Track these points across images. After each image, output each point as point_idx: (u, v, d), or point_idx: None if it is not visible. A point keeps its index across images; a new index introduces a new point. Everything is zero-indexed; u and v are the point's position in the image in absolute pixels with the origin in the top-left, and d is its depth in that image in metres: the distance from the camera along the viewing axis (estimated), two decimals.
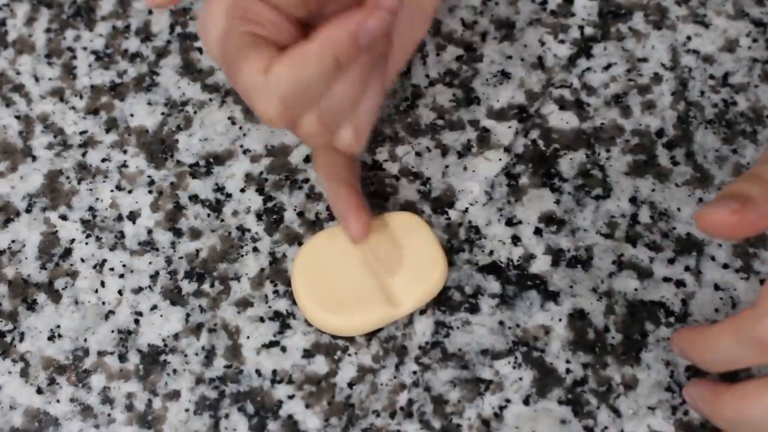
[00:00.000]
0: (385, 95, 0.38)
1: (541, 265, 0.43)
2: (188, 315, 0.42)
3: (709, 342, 0.34)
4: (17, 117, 0.48)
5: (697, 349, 0.36)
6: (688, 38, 0.48)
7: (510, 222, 0.44)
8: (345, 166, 0.42)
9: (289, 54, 0.33)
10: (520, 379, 0.41)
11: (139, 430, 0.40)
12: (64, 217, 0.45)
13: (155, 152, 0.46)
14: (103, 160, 0.46)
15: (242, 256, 0.44)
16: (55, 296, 0.43)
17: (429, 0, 0.43)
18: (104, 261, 0.44)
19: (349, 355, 0.41)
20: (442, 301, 0.42)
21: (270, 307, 0.42)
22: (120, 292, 0.43)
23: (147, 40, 0.49)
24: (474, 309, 0.42)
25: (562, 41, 0.48)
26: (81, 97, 0.48)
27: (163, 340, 0.42)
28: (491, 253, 0.43)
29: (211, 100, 0.47)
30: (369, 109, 0.37)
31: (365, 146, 0.39)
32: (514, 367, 0.41)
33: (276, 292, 0.43)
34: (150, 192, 0.45)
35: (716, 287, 0.42)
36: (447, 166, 0.45)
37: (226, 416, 0.40)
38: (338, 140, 0.37)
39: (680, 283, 0.42)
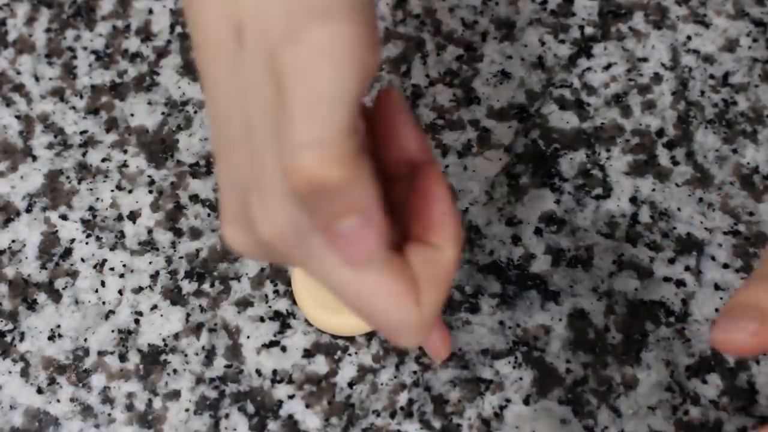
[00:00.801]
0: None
1: (541, 264, 0.43)
2: (188, 315, 0.42)
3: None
4: (17, 117, 0.48)
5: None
6: (689, 38, 0.48)
7: (510, 222, 0.44)
8: (413, 304, 0.32)
9: (434, 277, 0.29)
10: (521, 378, 0.41)
11: (140, 430, 0.40)
12: (64, 217, 0.45)
13: (155, 152, 0.46)
14: (104, 160, 0.46)
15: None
16: (56, 296, 0.43)
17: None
18: (104, 261, 0.44)
19: (349, 354, 0.41)
20: None
21: (270, 306, 0.42)
22: (120, 292, 0.43)
23: (147, 39, 0.49)
24: (474, 309, 0.42)
25: (562, 41, 0.48)
26: (81, 96, 0.48)
27: (164, 339, 0.42)
28: (491, 252, 0.43)
29: None
30: None
31: None
32: (514, 367, 0.41)
33: (276, 291, 0.43)
34: (150, 192, 0.45)
35: (716, 287, 0.42)
36: (447, 166, 0.45)
37: (227, 416, 0.40)
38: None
39: (680, 283, 0.42)
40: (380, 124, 0.31)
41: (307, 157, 0.25)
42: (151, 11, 0.50)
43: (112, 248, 0.44)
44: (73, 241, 0.44)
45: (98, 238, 0.44)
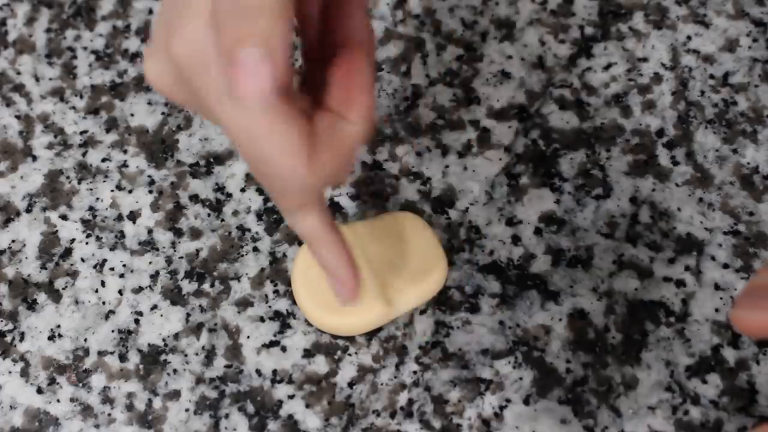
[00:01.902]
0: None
1: (541, 264, 0.43)
2: (188, 315, 0.42)
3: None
4: (17, 117, 0.48)
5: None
6: (689, 38, 0.48)
7: (510, 222, 0.44)
8: (324, 212, 0.34)
9: (335, 143, 0.29)
10: (521, 378, 0.41)
11: (140, 430, 0.40)
12: (64, 217, 0.45)
13: (155, 152, 0.46)
14: (104, 160, 0.46)
15: (242, 255, 0.44)
16: (56, 296, 0.43)
17: None
18: (104, 261, 0.44)
19: (349, 354, 0.41)
20: (442, 301, 0.42)
21: (270, 306, 0.42)
22: (120, 292, 0.43)
23: (147, 39, 0.49)
24: (474, 309, 0.42)
25: (562, 41, 0.48)
26: (81, 96, 0.48)
27: (164, 339, 0.42)
28: (491, 252, 0.43)
29: None
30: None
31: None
32: (514, 367, 0.41)
33: (276, 291, 0.43)
34: (150, 192, 0.45)
35: (716, 287, 0.42)
36: (447, 166, 0.45)
37: (227, 416, 0.40)
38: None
39: (680, 283, 0.42)
40: (336, 7, 0.31)
41: None
42: (151, 11, 0.50)
43: (112, 248, 0.44)
44: (73, 241, 0.44)
45: (98, 238, 0.44)
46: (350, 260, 0.35)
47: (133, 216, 0.45)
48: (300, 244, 0.44)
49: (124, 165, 0.46)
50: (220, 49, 0.27)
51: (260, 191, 0.45)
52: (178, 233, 0.44)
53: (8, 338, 0.42)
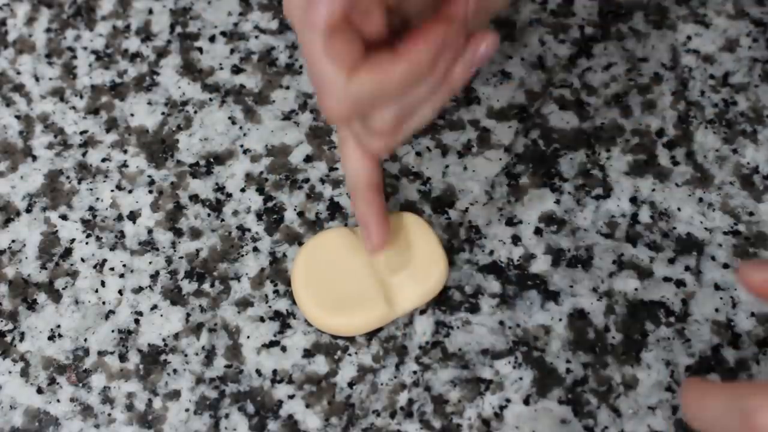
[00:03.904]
0: (446, 101, 0.37)
1: (541, 264, 0.43)
2: (188, 315, 0.42)
3: (704, 395, 0.31)
4: (17, 117, 0.48)
5: (691, 398, 0.33)
6: (689, 38, 0.48)
7: (510, 222, 0.44)
8: (375, 170, 0.41)
9: (376, 65, 0.33)
10: (521, 378, 0.41)
11: (140, 430, 0.40)
12: (64, 217, 0.45)
13: (155, 152, 0.46)
14: (104, 160, 0.46)
15: (242, 255, 0.44)
16: (56, 296, 0.43)
17: None
18: (104, 261, 0.44)
19: (349, 355, 0.41)
20: (442, 301, 0.42)
21: (270, 306, 0.42)
22: (120, 292, 0.43)
23: (147, 39, 0.49)
24: (474, 309, 0.42)
25: (562, 41, 0.48)
26: (81, 96, 0.48)
27: (164, 339, 0.42)
28: (491, 252, 0.43)
29: (211, 100, 0.48)
30: (426, 113, 0.36)
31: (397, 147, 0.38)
32: (514, 367, 0.41)
33: (276, 292, 0.43)
34: (150, 192, 0.45)
35: (716, 287, 0.42)
36: (447, 166, 0.45)
37: (227, 416, 0.40)
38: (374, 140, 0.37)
39: (680, 283, 0.42)
40: None
41: None
42: (151, 11, 0.50)
43: (112, 248, 0.44)
44: (73, 241, 0.44)
45: (98, 238, 0.44)
46: (382, 214, 0.40)
47: (133, 216, 0.45)
48: (300, 244, 0.44)
49: (124, 165, 0.46)
50: None
51: (260, 191, 0.45)
52: (178, 233, 0.44)
53: (8, 338, 0.42)
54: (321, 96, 0.34)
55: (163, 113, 0.47)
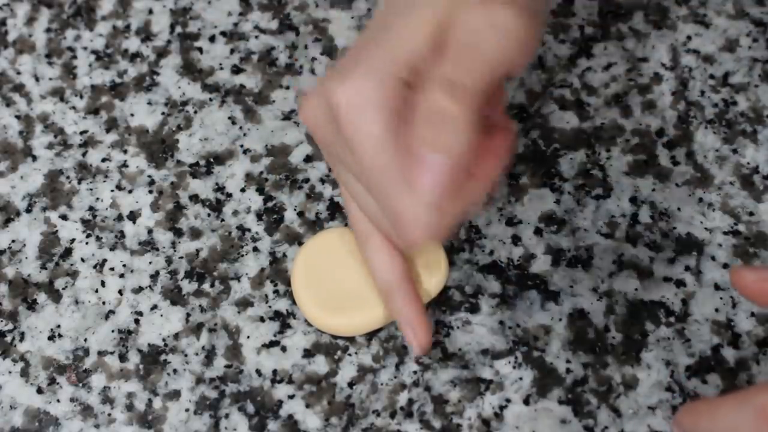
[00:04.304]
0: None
1: (541, 264, 0.43)
2: (188, 315, 0.42)
3: (711, 409, 0.32)
4: (17, 117, 0.48)
5: (697, 417, 0.33)
6: (689, 38, 0.48)
7: (510, 222, 0.44)
8: (405, 261, 0.39)
9: (457, 196, 0.33)
10: (521, 378, 0.41)
11: (139, 430, 0.40)
12: (64, 217, 0.45)
13: (155, 152, 0.46)
14: (104, 160, 0.46)
15: (242, 255, 0.44)
16: (56, 296, 0.43)
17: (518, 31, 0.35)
18: (104, 261, 0.44)
19: (349, 355, 0.41)
20: (442, 301, 0.42)
21: (270, 306, 0.42)
22: (120, 292, 0.43)
23: (147, 39, 0.49)
24: (474, 309, 0.42)
25: (562, 41, 0.48)
26: (81, 96, 0.48)
27: (164, 339, 0.42)
28: (491, 252, 0.43)
29: (211, 100, 0.48)
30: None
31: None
32: (514, 367, 0.41)
33: (276, 292, 0.43)
34: (150, 192, 0.45)
35: (716, 287, 0.42)
36: None
37: (227, 416, 0.40)
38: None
39: (680, 283, 0.42)
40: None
41: (449, 89, 0.31)
42: (151, 11, 0.50)
43: (112, 248, 0.44)
44: (73, 241, 0.44)
45: (98, 238, 0.44)
46: (422, 308, 0.39)
47: (133, 216, 0.45)
48: (300, 244, 0.44)
49: (124, 165, 0.46)
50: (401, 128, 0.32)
51: (260, 191, 0.45)
52: (178, 233, 0.44)
53: (8, 338, 0.42)
54: (401, 229, 0.33)
55: (163, 113, 0.47)
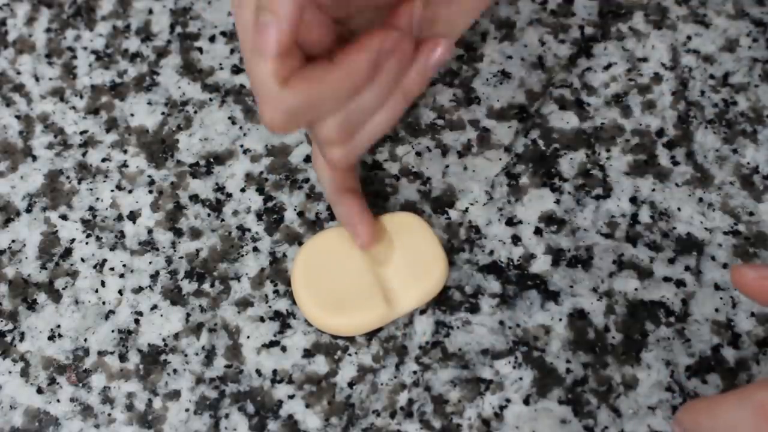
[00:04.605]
0: (403, 109, 0.37)
1: (541, 264, 0.43)
2: (188, 315, 0.42)
3: (711, 407, 0.33)
4: (17, 117, 0.48)
5: (697, 415, 0.34)
6: (689, 38, 0.48)
7: (510, 222, 0.44)
8: (344, 177, 0.42)
9: (309, 73, 0.33)
10: (521, 378, 0.41)
11: (140, 430, 0.40)
12: (64, 217, 0.45)
13: (155, 152, 0.46)
14: (104, 160, 0.46)
15: (242, 255, 0.44)
16: (56, 296, 0.43)
17: None
18: (104, 261, 0.44)
19: (349, 355, 0.41)
20: (442, 301, 0.42)
21: (270, 306, 0.42)
22: (120, 292, 0.43)
23: (147, 39, 0.49)
24: (474, 309, 0.42)
25: (562, 41, 0.48)
26: (81, 96, 0.48)
27: (164, 339, 0.42)
28: (491, 252, 0.43)
29: (211, 100, 0.48)
30: (381, 121, 0.36)
31: (358, 157, 0.38)
32: (514, 367, 0.41)
33: (276, 292, 0.43)
34: (150, 192, 0.45)
35: (716, 287, 0.42)
36: (447, 166, 0.45)
37: (227, 416, 0.40)
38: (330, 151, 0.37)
39: (680, 283, 0.42)
40: None
41: None
42: (151, 11, 0.50)
43: (112, 248, 0.44)
44: (73, 241, 0.44)
45: (98, 238, 0.44)
46: (363, 212, 0.42)
47: (133, 216, 0.45)
48: (300, 244, 0.44)
49: (124, 165, 0.46)
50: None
51: (260, 191, 0.45)
52: (178, 233, 0.44)
53: (8, 338, 0.42)
54: (260, 106, 0.34)
55: (163, 113, 0.47)
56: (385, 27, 0.34)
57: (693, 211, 0.44)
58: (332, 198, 0.42)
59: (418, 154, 0.46)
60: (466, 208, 0.44)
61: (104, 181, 0.46)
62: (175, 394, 0.41)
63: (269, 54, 0.32)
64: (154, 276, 0.43)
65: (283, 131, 0.35)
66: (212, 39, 0.49)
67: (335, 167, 0.38)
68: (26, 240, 0.44)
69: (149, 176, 0.46)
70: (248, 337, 0.42)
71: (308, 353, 0.41)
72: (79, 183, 0.46)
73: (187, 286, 0.43)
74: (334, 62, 0.34)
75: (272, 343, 0.42)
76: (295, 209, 0.45)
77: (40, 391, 0.41)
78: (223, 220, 0.45)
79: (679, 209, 0.44)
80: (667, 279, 0.42)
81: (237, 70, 0.48)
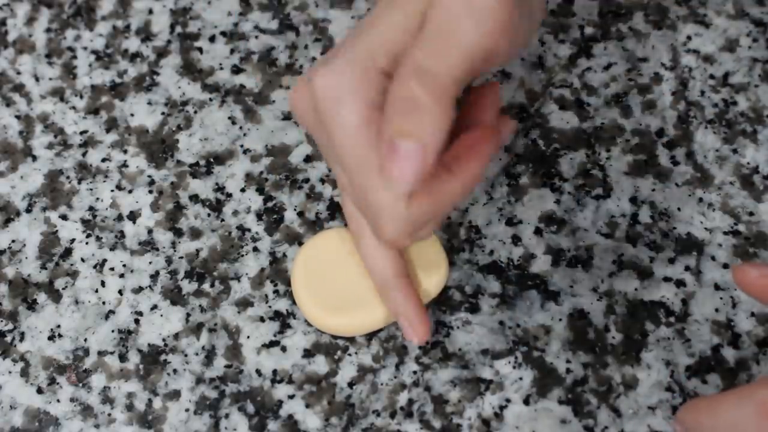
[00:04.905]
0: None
1: (541, 264, 0.43)
2: (188, 315, 0.42)
3: (712, 405, 0.33)
4: (17, 117, 0.48)
5: (698, 414, 0.34)
6: (689, 38, 0.48)
7: (510, 222, 0.44)
8: (400, 258, 0.40)
9: (432, 188, 0.33)
10: (521, 378, 0.41)
11: (139, 430, 0.40)
12: (64, 217, 0.45)
13: (155, 152, 0.46)
14: (104, 160, 0.46)
15: (242, 255, 0.44)
16: (56, 296, 0.43)
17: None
18: (104, 261, 0.44)
19: (349, 355, 0.41)
20: (442, 301, 0.42)
21: (270, 306, 0.42)
22: (120, 292, 0.43)
23: (147, 39, 0.49)
24: (474, 309, 0.42)
25: (562, 41, 0.48)
26: (81, 96, 0.48)
27: (164, 339, 0.42)
28: (491, 252, 0.43)
29: (211, 99, 0.48)
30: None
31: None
32: (514, 367, 0.41)
33: (276, 292, 0.43)
34: (150, 192, 0.45)
35: (716, 287, 0.42)
36: None
37: (227, 416, 0.40)
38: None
39: (680, 283, 0.42)
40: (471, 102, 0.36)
41: (420, 76, 0.30)
42: (151, 11, 0.50)
43: (112, 248, 0.44)
44: (73, 241, 0.44)
45: (98, 238, 0.44)
46: (419, 302, 0.39)
47: (133, 216, 0.45)
48: (300, 244, 0.44)
49: (124, 165, 0.46)
50: (379, 128, 0.32)
51: (260, 191, 0.45)
52: (178, 233, 0.44)
53: (8, 338, 0.42)
54: (377, 222, 0.33)
55: (163, 113, 0.47)
56: (482, 128, 0.34)
57: (693, 211, 0.44)
58: (388, 283, 0.39)
59: None
60: (466, 208, 0.44)
61: (104, 181, 0.46)
62: (175, 394, 0.41)
63: (404, 186, 0.31)
64: (154, 276, 0.43)
65: (401, 245, 0.34)
66: (212, 39, 0.49)
67: (393, 246, 0.37)
68: (26, 240, 0.44)
69: (149, 176, 0.46)
70: (248, 337, 0.42)
71: (308, 353, 0.41)
72: (79, 183, 0.46)
73: (187, 286, 0.43)
74: (453, 172, 0.33)
75: (272, 343, 0.42)
76: (295, 209, 0.45)
77: (40, 391, 0.41)
78: (223, 220, 0.45)
79: (679, 209, 0.44)
80: (667, 279, 0.42)
81: (237, 70, 0.48)
